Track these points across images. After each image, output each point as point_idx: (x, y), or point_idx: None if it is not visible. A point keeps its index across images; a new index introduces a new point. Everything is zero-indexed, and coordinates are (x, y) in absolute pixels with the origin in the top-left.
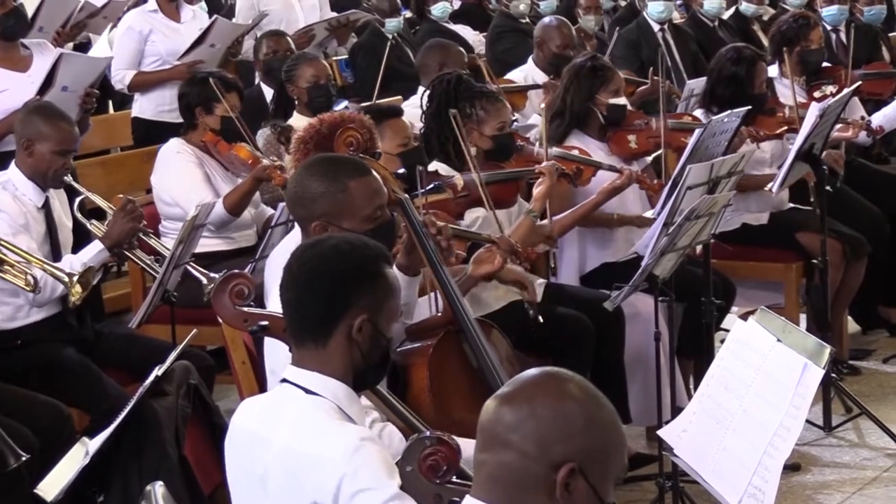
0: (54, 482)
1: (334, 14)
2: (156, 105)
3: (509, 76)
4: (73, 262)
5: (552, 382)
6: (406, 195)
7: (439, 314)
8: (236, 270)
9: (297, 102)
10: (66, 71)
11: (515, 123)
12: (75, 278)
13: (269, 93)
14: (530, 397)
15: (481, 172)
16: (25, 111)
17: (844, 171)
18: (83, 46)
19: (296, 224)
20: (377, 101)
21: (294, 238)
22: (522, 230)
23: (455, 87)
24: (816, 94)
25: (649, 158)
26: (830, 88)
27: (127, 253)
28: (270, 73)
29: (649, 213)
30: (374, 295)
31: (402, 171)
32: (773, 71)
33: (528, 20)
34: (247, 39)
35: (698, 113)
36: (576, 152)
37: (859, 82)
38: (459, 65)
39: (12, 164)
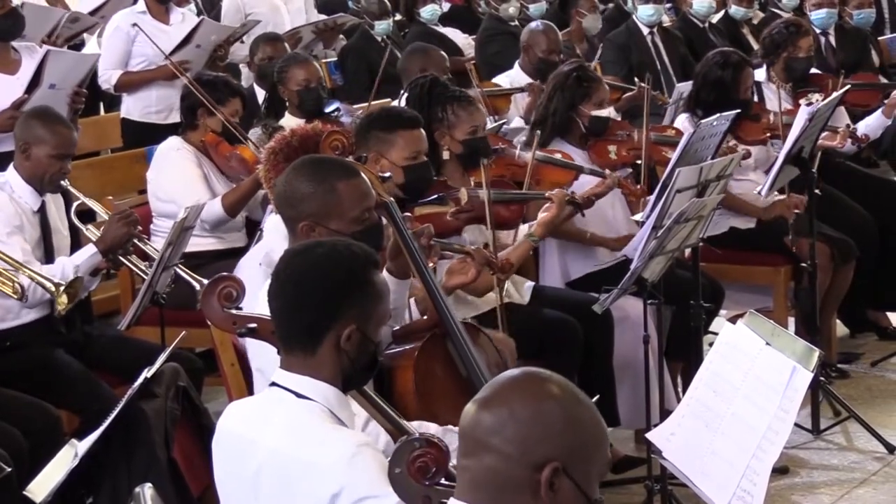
0: (43, 484)
1: (321, 17)
2: (142, 106)
3: (495, 80)
4: (65, 265)
5: (530, 383)
6: (391, 198)
7: (425, 317)
8: (225, 273)
9: (287, 104)
10: (52, 68)
11: (505, 126)
12: (62, 288)
13: (261, 94)
14: (509, 399)
15: (489, 190)
16: (25, 115)
17: (833, 173)
18: (76, 46)
19: (265, 231)
20: (398, 106)
21: (261, 246)
22: (520, 252)
23: (429, 90)
24: (802, 102)
25: (629, 169)
26: (817, 96)
27: (121, 258)
28: (264, 77)
29: (638, 216)
30: (363, 305)
31: (387, 174)
32: (760, 75)
33: (517, 23)
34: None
35: (683, 117)
36: (559, 156)
37: (847, 86)
38: (440, 69)
39: (10, 167)
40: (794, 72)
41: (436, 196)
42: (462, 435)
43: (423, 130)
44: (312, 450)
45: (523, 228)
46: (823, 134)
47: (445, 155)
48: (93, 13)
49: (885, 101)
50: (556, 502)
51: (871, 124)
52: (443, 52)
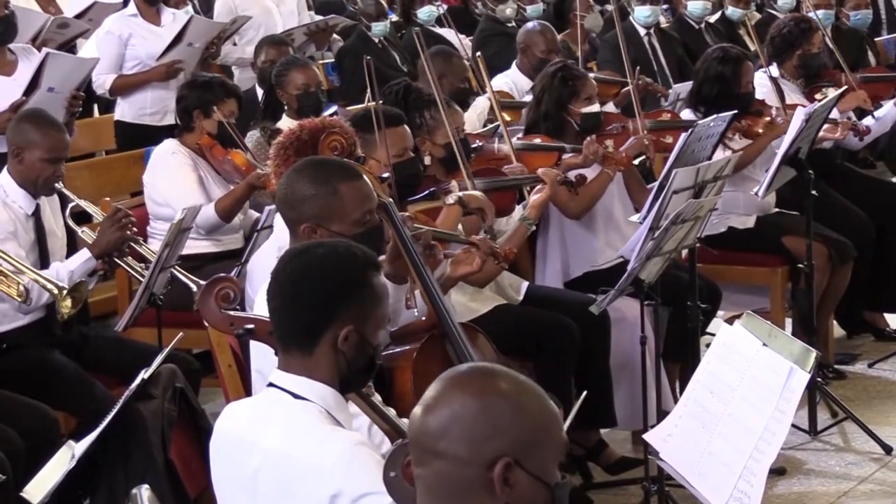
0: (40, 485)
1: (314, 18)
2: (137, 109)
3: (493, 81)
4: (59, 270)
5: (469, 381)
6: (390, 199)
7: (423, 318)
8: (222, 274)
9: (286, 107)
10: (52, 71)
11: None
12: (65, 292)
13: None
14: (451, 400)
15: (480, 179)
16: (16, 118)
17: (831, 175)
18: (69, 51)
19: (276, 227)
20: (380, 105)
21: (273, 242)
22: (517, 238)
23: (404, 97)
24: (817, 97)
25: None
26: (831, 90)
27: (117, 260)
28: (264, 79)
29: (634, 218)
30: (361, 306)
31: (386, 174)
32: (772, 72)
33: (514, 24)
34: (227, 44)
35: (686, 114)
36: (538, 140)
37: (845, 87)
38: (460, 75)
39: (4, 171)
40: (810, 68)
41: (427, 192)
42: (411, 444)
43: (406, 127)
44: (310, 451)
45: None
46: (825, 126)
47: (427, 160)
48: (79, 16)
49: None
50: (515, 496)
51: (883, 117)
52: (465, 61)
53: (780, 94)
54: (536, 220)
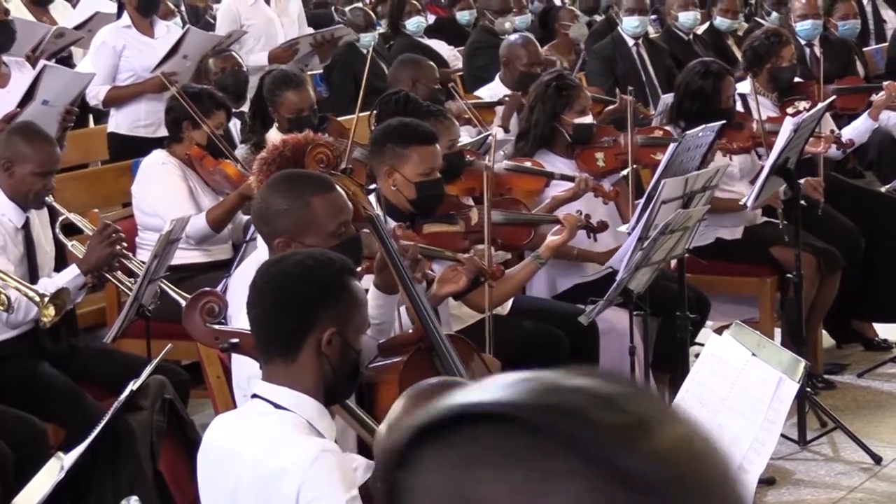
0: (29, 497)
1: (311, 30)
2: (131, 120)
3: (478, 93)
4: (47, 286)
5: (434, 397)
6: (377, 213)
7: (410, 331)
8: (207, 288)
9: (277, 125)
10: (48, 84)
11: (490, 138)
12: (47, 299)
13: None
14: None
15: (499, 212)
16: (6, 132)
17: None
18: (65, 61)
19: (258, 243)
20: (415, 121)
21: (256, 257)
22: (525, 273)
23: (404, 106)
24: (789, 111)
25: (623, 172)
26: (803, 104)
27: (106, 275)
28: (224, 90)
29: (623, 228)
30: (340, 308)
31: (373, 186)
32: (745, 87)
33: (506, 37)
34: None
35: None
36: (528, 164)
37: (833, 97)
38: (432, 80)
39: None
40: (780, 81)
41: (446, 215)
42: (378, 463)
43: (437, 147)
44: (282, 458)
45: None
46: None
47: None
48: (79, 27)
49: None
50: None
51: (859, 128)
52: (432, 64)
53: (747, 110)
54: (548, 259)
